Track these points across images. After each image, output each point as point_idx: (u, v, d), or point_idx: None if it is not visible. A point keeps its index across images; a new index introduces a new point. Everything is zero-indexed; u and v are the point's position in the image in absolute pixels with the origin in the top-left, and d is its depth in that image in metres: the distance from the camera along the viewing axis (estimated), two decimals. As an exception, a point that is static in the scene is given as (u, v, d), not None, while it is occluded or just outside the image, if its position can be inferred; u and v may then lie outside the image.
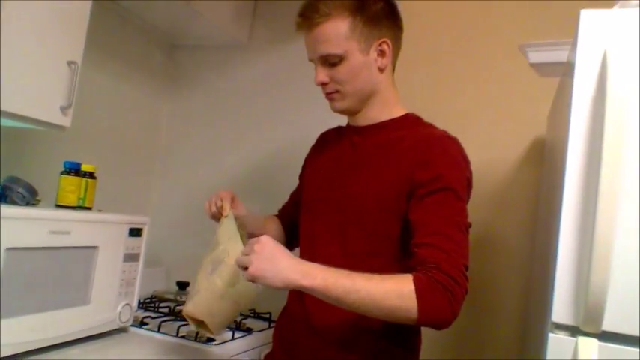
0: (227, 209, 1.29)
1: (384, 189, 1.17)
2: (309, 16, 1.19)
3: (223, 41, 2.20)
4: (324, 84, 1.23)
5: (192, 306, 1.20)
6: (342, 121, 1.38)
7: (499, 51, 1.83)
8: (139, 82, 2.20)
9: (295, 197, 1.50)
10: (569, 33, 1.25)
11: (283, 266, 1.01)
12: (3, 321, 1.15)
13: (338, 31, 1.17)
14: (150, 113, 2.28)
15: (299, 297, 1.26)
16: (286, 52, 2.15)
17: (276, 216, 1.56)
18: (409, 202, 1.13)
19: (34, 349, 1.24)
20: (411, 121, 1.27)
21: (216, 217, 1.32)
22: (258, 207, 2.10)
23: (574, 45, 0.97)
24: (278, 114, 2.15)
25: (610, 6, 1.07)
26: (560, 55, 1.25)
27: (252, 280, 1.03)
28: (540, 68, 1.43)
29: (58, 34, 1.39)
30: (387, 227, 1.16)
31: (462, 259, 1.03)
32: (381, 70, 1.23)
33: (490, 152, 1.80)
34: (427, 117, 1.29)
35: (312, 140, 1.49)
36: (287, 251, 1.05)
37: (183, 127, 2.32)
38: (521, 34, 1.74)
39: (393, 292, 0.98)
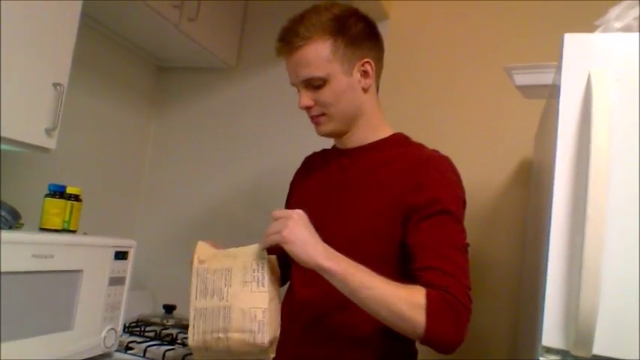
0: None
1: (377, 213, 1.16)
2: (290, 40, 1.18)
3: (211, 63, 2.20)
4: (308, 108, 1.22)
5: (271, 331, 1.05)
6: (329, 143, 1.38)
7: (486, 73, 1.85)
8: (126, 103, 2.19)
9: None
10: (554, 56, 1.27)
11: (312, 242, 1.03)
12: (-17, 348, 1.12)
13: (319, 54, 1.17)
14: (136, 135, 2.27)
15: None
16: (274, 75, 2.14)
17: None
18: (405, 225, 1.12)
19: (15, 377, 1.21)
20: (399, 140, 1.27)
21: None
22: (244, 230, 2.10)
23: (559, 68, 0.98)
24: (266, 136, 2.14)
25: (592, 29, 1.09)
26: (545, 78, 1.26)
27: (282, 242, 1.03)
28: (526, 90, 1.44)
29: (44, 56, 1.38)
30: (381, 251, 1.15)
31: (466, 281, 1.05)
32: (365, 90, 1.23)
33: (477, 173, 1.80)
34: (414, 138, 1.28)
35: (299, 162, 1.48)
36: (316, 232, 1.06)
37: (169, 150, 2.30)
38: (507, 57, 1.76)
39: (404, 299, 1.00)
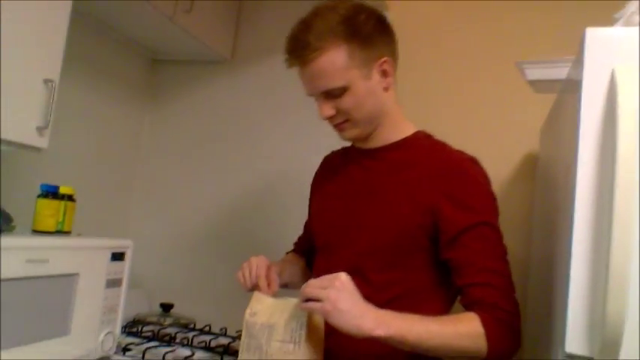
0: (265, 288, 1.18)
1: (403, 219, 1.12)
2: (301, 53, 1.10)
3: (206, 56, 2.14)
4: (330, 117, 1.16)
5: None
6: (331, 140, 1.33)
7: (490, 66, 1.81)
8: (119, 98, 2.13)
9: (309, 227, 1.43)
10: (565, 50, 1.24)
11: (358, 313, 0.97)
12: (-23, 359, 1.07)
13: (336, 63, 1.09)
14: (130, 131, 2.21)
15: None
16: (271, 67, 2.08)
17: (294, 250, 1.49)
18: (439, 236, 1.10)
19: (11, 388, 1.16)
20: (422, 139, 1.22)
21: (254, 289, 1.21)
22: (242, 227, 2.06)
23: (580, 63, 0.94)
24: (263, 130, 2.09)
25: (609, 21, 1.05)
26: (559, 72, 1.23)
27: (324, 315, 0.98)
28: (537, 85, 1.40)
29: (34, 51, 1.32)
30: (407, 258, 1.13)
31: (511, 288, 1.08)
32: (386, 89, 1.17)
33: (481, 167, 1.77)
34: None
35: (300, 156, 1.44)
36: (361, 297, 1.00)
37: (164, 145, 2.24)
38: (509, 49, 1.73)
39: (465, 335, 1.01)
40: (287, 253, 1.49)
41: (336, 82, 1.11)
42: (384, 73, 1.16)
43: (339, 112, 1.15)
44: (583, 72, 0.92)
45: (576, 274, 0.88)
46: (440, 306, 1.15)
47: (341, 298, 0.96)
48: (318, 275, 1.19)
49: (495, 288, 1.04)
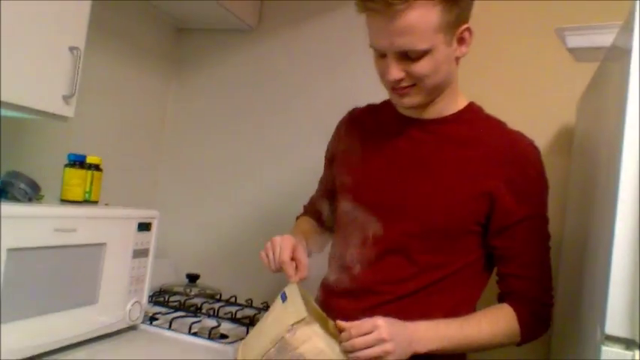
0: (292, 275, 1.09)
1: (459, 202, 1.08)
2: (390, 1, 0.96)
3: (231, 24, 2.09)
4: (398, 80, 1.06)
5: None
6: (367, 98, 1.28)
7: (527, 33, 1.74)
8: (144, 67, 2.11)
9: (327, 187, 1.34)
10: (610, 15, 1.17)
11: (408, 339, 1.00)
12: (6, 326, 1.08)
13: (427, 22, 0.97)
14: (156, 100, 2.19)
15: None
16: (298, 36, 2.05)
17: (305, 213, 1.43)
18: (492, 222, 1.09)
19: (39, 354, 1.17)
20: (476, 113, 1.17)
21: (280, 271, 1.12)
22: (268, 195, 2.05)
23: (629, 29, 0.88)
24: (290, 100, 2.06)
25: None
26: (603, 40, 1.16)
27: (388, 356, 0.97)
28: (578, 53, 1.33)
29: (59, 19, 1.30)
30: (455, 241, 1.10)
31: (551, 278, 1.14)
32: (457, 60, 1.09)
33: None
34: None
35: (330, 127, 1.39)
36: (398, 321, 1.01)
37: (190, 115, 2.23)
38: (551, 16, 1.64)
39: (502, 334, 1.08)
40: (297, 217, 1.43)
41: (422, 44, 1.00)
42: (462, 41, 1.06)
43: (408, 75, 1.04)
44: (633, 39, 0.85)
45: (619, 253, 0.84)
46: (480, 287, 1.16)
47: (401, 348, 0.98)
48: (352, 247, 1.16)
49: (536, 281, 1.10)
